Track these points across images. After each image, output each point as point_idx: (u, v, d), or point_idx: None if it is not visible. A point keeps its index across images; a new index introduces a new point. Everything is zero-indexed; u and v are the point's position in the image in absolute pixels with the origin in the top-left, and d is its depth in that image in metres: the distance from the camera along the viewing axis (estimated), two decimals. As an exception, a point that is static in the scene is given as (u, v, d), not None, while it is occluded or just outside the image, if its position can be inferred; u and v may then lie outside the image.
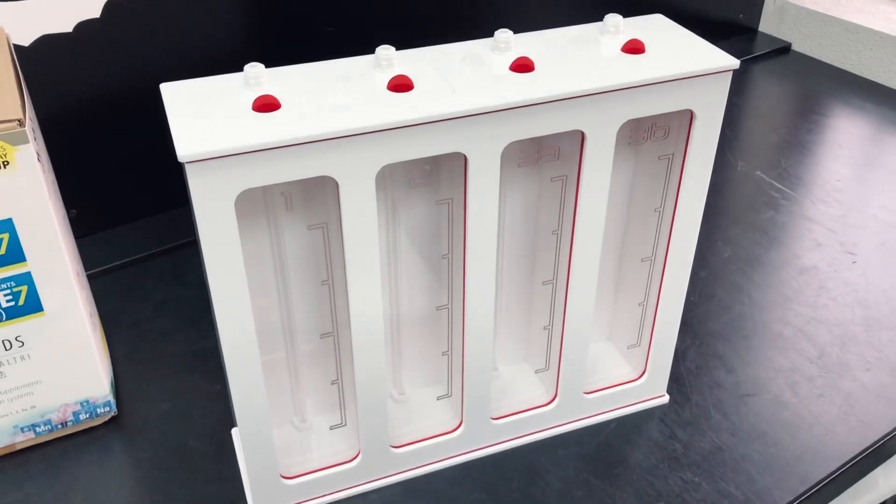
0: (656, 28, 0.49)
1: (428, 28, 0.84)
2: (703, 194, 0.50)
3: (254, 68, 0.42)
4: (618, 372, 0.59)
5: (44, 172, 0.49)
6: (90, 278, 0.63)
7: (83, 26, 0.67)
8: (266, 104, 0.41)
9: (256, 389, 0.45)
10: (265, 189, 0.43)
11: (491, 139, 0.43)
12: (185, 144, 0.38)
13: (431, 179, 0.47)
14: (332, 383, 0.50)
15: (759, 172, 0.87)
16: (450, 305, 0.50)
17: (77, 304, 0.53)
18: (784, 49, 1.12)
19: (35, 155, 0.48)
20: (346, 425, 0.52)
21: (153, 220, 0.77)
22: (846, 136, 0.95)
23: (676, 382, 0.61)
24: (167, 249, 0.74)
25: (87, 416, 0.57)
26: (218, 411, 0.59)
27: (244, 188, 0.39)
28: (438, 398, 0.55)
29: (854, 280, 0.72)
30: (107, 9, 0.67)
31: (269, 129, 0.39)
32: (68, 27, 0.66)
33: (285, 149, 0.39)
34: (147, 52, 0.71)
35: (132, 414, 0.59)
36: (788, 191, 0.84)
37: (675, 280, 0.53)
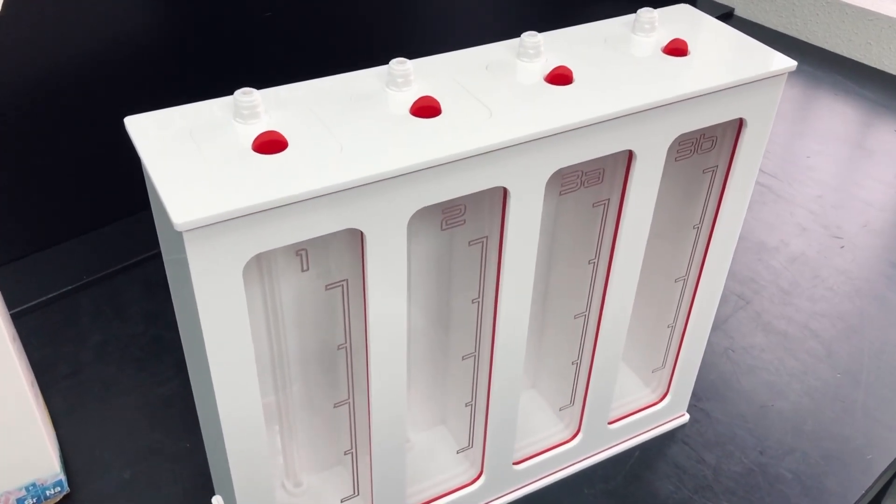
0: (691, 23, 0.43)
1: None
2: (745, 206, 0.45)
3: (248, 95, 0.34)
4: (637, 396, 0.54)
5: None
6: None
7: (-20, 23, 0.55)
8: (270, 142, 0.33)
9: (261, 473, 0.38)
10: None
11: (536, 168, 0.36)
12: (182, 208, 0.29)
13: (465, 218, 0.40)
14: (346, 453, 0.43)
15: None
16: (476, 353, 0.43)
17: (17, 376, 0.43)
18: (727, 14, 1.09)
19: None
20: (358, 495, 0.45)
21: (78, 244, 0.66)
22: (801, 109, 0.92)
23: (693, 397, 0.56)
24: (100, 278, 0.64)
25: (34, 500, 0.48)
26: (189, 474, 0.51)
27: (256, 252, 0.31)
28: (458, 451, 0.48)
29: (846, 267, 0.69)
30: (7, 4, 0.55)
31: (284, 177, 0.31)
32: (-38, 25, 0.55)
33: (306, 202, 0.31)
34: (59, 51, 0.60)
35: (87, 489, 0.50)
36: (761, 171, 0.81)
37: (708, 298, 0.48)
